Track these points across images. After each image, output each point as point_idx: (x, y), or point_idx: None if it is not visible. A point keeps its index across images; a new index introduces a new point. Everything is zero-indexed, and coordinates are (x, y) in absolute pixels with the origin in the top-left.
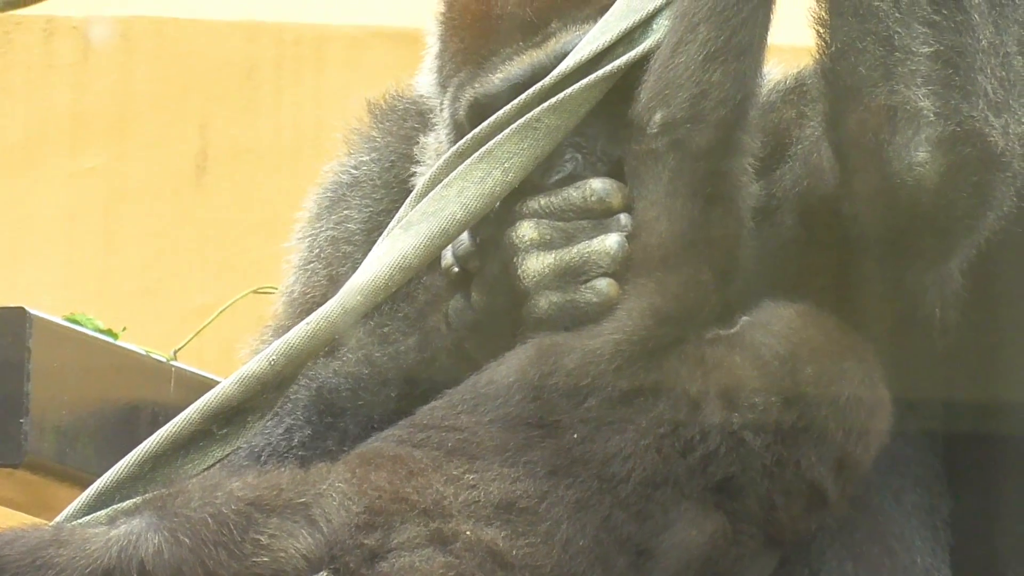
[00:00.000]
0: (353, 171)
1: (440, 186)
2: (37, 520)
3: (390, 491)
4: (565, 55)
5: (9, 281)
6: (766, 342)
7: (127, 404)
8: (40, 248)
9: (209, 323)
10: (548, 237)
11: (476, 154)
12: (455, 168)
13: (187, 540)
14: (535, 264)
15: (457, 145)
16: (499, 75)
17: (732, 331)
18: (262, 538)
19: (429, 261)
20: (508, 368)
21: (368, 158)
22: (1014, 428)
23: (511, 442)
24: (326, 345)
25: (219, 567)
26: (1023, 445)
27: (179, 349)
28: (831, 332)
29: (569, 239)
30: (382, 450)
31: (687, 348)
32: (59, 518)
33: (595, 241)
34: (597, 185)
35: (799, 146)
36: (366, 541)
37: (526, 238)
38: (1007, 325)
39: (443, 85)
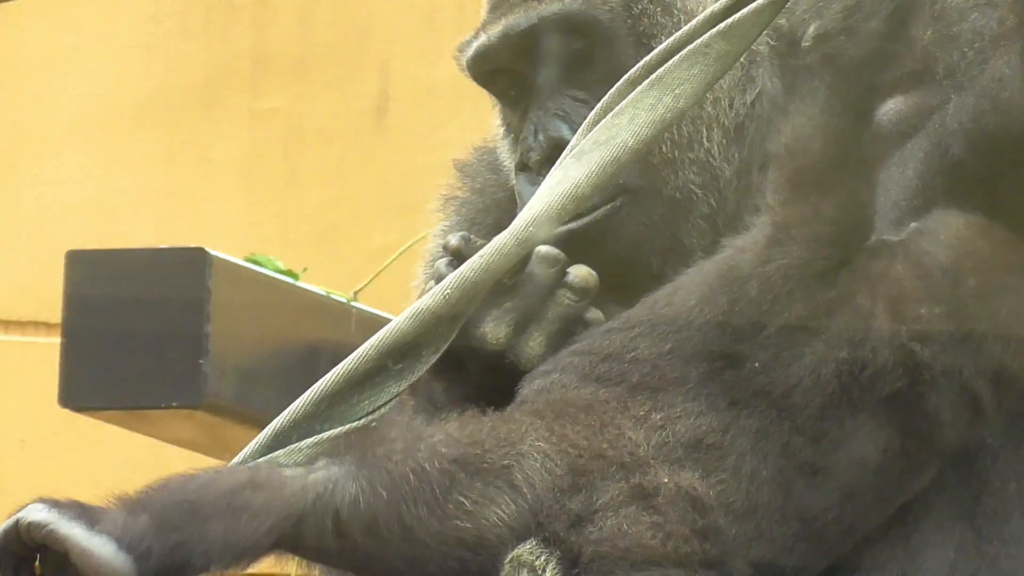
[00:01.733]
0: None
1: (611, 114)
2: (216, 461)
3: (588, 448)
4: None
5: (190, 222)
6: (930, 251)
7: (307, 345)
8: (221, 189)
9: (389, 264)
10: (516, 321)
11: (646, 81)
12: (626, 96)
13: (385, 494)
14: (534, 348)
15: (629, 72)
16: (499, 26)
17: (898, 239)
18: (466, 502)
19: (602, 190)
20: (688, 293)
21: (453, 220)
22: None
23: (692, 373)
24: (500, 276)
25: (417, 524)
26: None
27: (359, 290)
28: (999, 246)
29: (531, 307)
30: (569, 396)
31: (855, 263)
32: (236, 459)
33: (558, 296)
34: (543, 252)
35: (965, 75)
36: (571, 505)
37: (501, 337)
38: None
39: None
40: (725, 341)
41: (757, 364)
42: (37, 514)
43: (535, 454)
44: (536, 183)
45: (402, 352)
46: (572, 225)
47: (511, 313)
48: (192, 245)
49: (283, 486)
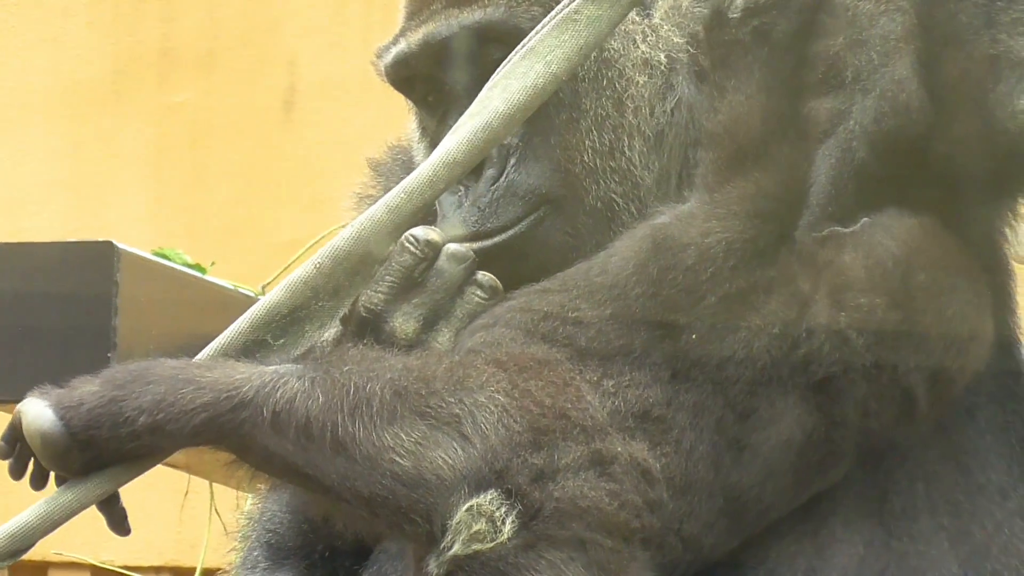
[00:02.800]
0: None
1: (484, 90)
2: None
3: (552, 407)
4: (488, 15)
5: (98, 215)
6: (884, 243)
7: (215, 338)
8: (128, 182)
9: (297, 258)
10: (425, 317)
11: (518, 54)
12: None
13: (322, 397)
14: (443, 343)
15: (509, 56)
16: (419, 33)
17: (850, 229)
18: (405, 439)
19: (474, 159)
20: (622, 259)
21: None
22: None
23: (636, 341)
24: (372, 245)
25: (350, 441)
26: None
27: (267, 284)
28: (949, 248)
29: (440, 303)
30: (526, 351)
31: (801, 245)
32: None
33: (467, 294)
34: (417, 232)
35: (870, 79)
36: (534, 460)
37: (410, 332)
38: None
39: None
40: (663, 310)
41: (694, 335)
42: (23, 403)
43: (492, 407)
44: (455, 189)
45: (282, 327)
46: (498, 238)
47: (420, 308)
48: (100, 239)
49: (233, 371)
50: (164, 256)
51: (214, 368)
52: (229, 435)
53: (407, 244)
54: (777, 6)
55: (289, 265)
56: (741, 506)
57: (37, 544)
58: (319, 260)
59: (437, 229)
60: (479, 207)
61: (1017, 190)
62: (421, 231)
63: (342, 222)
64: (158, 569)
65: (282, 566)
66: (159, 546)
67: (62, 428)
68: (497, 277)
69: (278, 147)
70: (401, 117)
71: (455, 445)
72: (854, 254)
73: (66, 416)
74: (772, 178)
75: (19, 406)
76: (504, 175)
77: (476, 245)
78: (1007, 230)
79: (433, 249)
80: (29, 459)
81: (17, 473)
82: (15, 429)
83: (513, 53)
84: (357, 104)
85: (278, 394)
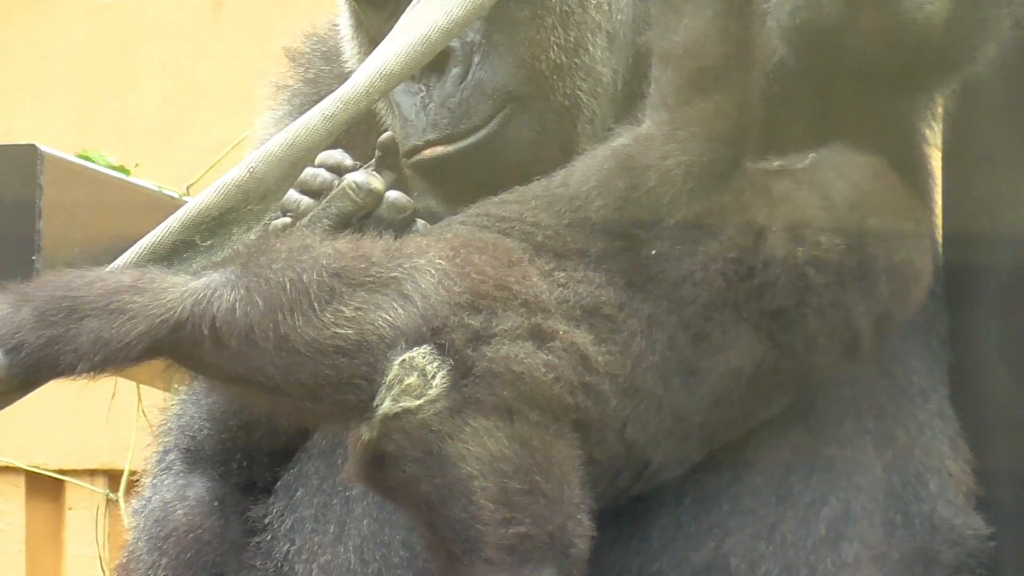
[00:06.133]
0: (273, 129)
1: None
2: None
3: (494, 277)
4: None
5: (24, 118)
6: (837, 185)
7: (139, 240)
8: (55, 85)
9: (222, 158)
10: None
11: None
12: None
13: (261, 302)
14: None
15: None
16: None
17: (801, 166)
18: (346, 310)
19: (411, 70)
20: (584, 174)
21: (284, 110)
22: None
23: (592, 248)
24: (306, 152)
25: (292, 333)
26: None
27: (192, 185)
28: (895, 190)
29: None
30: (476, 234)
31: (754, 176)
32: None
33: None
34: (359, 179)
35: None
36: (471, 321)
37: None
38: (996, 145)
39: None
40: (622, 224)
41: (653, 252)
42: None
43: (432, 270)
44: (413, 89)
45: (211, 229)
46: (472, 139)
47: None
48: (26, 142)
49: (163, 292)
50: (88, 158)
51: (143, 290)
52: (169, 354)
53: (348, 191)
54: None
55: (213, 166)
56: (687, 431)
57: None
58: (253, 164)
59: (379, 176)
60: (449, 108)
61: (931, 85)
62: (363, 177)
63: (257, 121)
64: (92, 472)
65: (196, 471)
66: (92, 449)
67: (11, 373)
68: (470, 180)
69: (207, 48)
70: (332, 14)
71: (395, 304)
72: (809, 192)
73: (13, 361)
74: (729, 101)
75: None
76: (471, 73)
77: (453, 147)
78: (927, 131)
79: (374, 198)
80: None
81: None
82: None
83: None
84: (285, 6)
85: (214, 308)
